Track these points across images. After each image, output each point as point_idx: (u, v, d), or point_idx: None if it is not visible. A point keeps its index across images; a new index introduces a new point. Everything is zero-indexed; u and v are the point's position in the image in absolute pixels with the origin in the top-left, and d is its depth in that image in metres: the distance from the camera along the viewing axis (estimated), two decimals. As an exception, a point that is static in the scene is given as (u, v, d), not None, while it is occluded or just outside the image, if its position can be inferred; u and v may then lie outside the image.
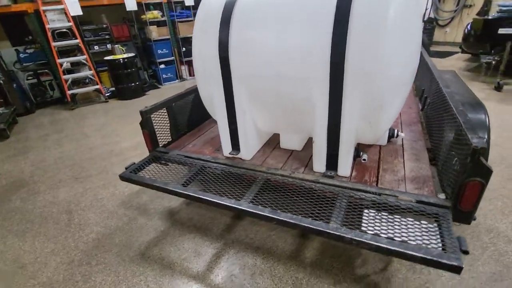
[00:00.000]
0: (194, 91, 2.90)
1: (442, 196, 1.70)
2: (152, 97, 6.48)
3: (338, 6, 1.55)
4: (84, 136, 4.54)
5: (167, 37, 7.20)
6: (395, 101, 1.71)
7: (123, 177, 2.15)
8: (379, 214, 1.63)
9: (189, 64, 7.86)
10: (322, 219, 1.59)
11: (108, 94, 6.56)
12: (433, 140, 2.20)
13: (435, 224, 1.52)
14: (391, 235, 1.47)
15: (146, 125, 2.40)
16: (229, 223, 2.44)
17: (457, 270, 1.26)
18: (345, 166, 1.91)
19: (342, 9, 1.55)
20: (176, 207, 2.70)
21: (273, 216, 1.63)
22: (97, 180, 3.26)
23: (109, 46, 6.68)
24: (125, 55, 6.29)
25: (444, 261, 1.27)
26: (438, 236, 1.44)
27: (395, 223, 1.56)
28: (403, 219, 1.58)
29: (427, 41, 8.81)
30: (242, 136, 2.17)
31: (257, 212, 1.67)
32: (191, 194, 1.86)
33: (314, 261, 2.02)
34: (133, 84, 6.38)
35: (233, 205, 1.74)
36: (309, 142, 2.40)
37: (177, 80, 7.72)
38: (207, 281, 1.94)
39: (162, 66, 7.39)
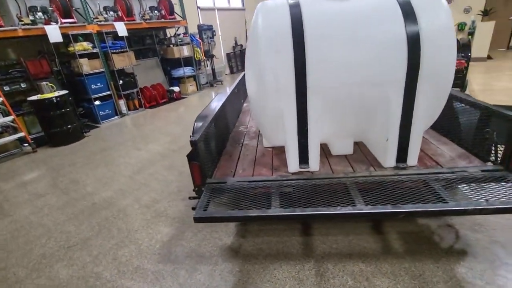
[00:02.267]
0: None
1: (489, 164, 2.16)
2: (96, 139, 5.54)
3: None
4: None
5: (101, 70, 6.38)
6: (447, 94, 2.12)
7: (199, 218, 1.85)
8: (467, 186, 1.95)
9: (128, 97, 7.11)
10: (434, 202, 1.79)
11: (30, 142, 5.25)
12: (444, 128, 2.74)
13: (510, 183, 1.92)
14: (491, 198, 1.79)
15: (197, 156, 2.14)
16: (302, 241, 2.36)
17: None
18: (414, 156, 2.18)
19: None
20: (233, 243, 2.41)
21: (397, 210, 1.73)
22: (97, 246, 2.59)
23: (23, 85, 5.45)
24: (56, 93, 5.23)
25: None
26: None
27: (483, 190, 1.90)
28: (485, 185, 1.94)
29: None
30: (313, 148, 2.20)
31: (383, 211, 1.74)
32: (309, 213, 1.78)
33: (406, 249, 2.18)
34: (69, 126, 5.32)
35: (356, 211, 1.76)
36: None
37: (116, 116, 6.83)
38: (330, 301, 1.83)
39: (98, 102, 6.44)
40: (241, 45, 12.79)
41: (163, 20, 7.63)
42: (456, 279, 1.90)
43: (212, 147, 2.56)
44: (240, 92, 4.42)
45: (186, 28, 8.44)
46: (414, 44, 1.87)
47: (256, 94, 2.19)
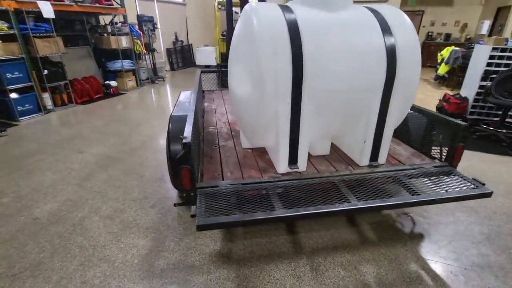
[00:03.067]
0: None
1: (436, 161, 2.62)
2: (19, 140, 4.57)
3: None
4: None
5: (19, 56, 5.27)
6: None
7: (203, 226, 1.76)
8: (427, 180, 2.34)
9: (54, 91, 6.07)
10: (411, 194, 2.10)
11: None
12: (396, 131, 3.19)
13: (456, 176, 2.37)
14: (449, 189, 2.18)
15: (189, 159, 2.01)
16: (290, 239, 2.44)
17: (490, 194, 2.11)
18: (384, 155, 2.50)
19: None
20: (221, 249, 2.33)
21: (385, 204, 1.97)
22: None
23: None
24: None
25: (482, 191, 2.09)
26: (464, 181, 2.29)
27: (440, 182, 2.31)
28: (440, 178, 2.36)
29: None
30: (303, 149, 2.30)
31: (374, 205, 1.95)
32: (312, 212, 1.86)
33: (379, 237, 2.47)
34: None
35: (353, 207, 1.92)
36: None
37: (40, 113, 5.74)
38: (330, 293, 1.95)
39: (14, 95, 5.30)
40: (182, 41, 12.25)
41: (98, 5, 6.75)
42: (422, 258, 2.26)
43: (195, 150, 2.43)
44: (199, 91, 4.27)
45: (124, 17, 7.64)
46: (391, 57, 2.15)
47: (251, 97, 2.16)
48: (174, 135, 2.54)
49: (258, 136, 2.45)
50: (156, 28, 9.11)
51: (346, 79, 2.13)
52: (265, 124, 2.24)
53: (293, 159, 2.34)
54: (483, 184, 2.22)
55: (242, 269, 2.13)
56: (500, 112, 4.78)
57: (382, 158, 2.51)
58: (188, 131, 2.09)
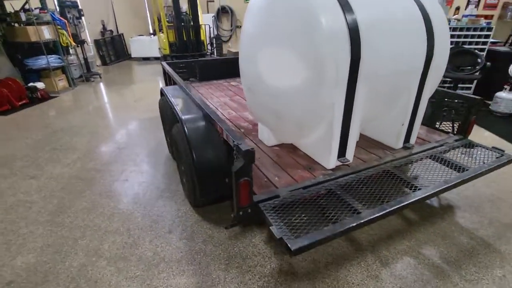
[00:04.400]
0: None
1: (451, 135, 2.75)
2: None
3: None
4: None
5: None
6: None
7: (299, 249, 1.44)
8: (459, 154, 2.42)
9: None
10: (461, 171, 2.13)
11: None
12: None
13: (479, 147, 2.51)
14: (485, 160, 2.29)
15: (250, 169, 1.65)
16: (343, 238, 2.26)
17: (517, 161, 2.28)
18: (415, 136, 2.50)
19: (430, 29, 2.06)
20: (280, 265, 2.01)
21: (449, 185, 1.95)
22: None
23: None
24: None
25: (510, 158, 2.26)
26: (487, 150, 2.44)
27: (469, 155, 2.41)
28: (467, 151, 2.47)
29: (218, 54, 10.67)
30: (353, 138, 2.12)
31: (442, 187, 1.92)
32: (397, 206, 1.71)
33: (420, 218, 2.48)
34: None
35: (429, 193, 1.85)
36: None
37: None
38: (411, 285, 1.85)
39: None
40: (111, 31, 10.64)
41: (3, -15, 5.22)
42: (465, 228, 2.35)
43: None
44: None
45: (42, 1, 6.13)
46: (430, 36, 2.08)
47: (303, 86, 1.84)
48: (198, 142, 2.07)
49: (302, 131, 2.16)
50: (82, 15, 7.62)
51: (397, 61, 1.99)
52: (318, 115, 1.96)
53: (342, 151, 2.14)
54: (503, 151, 2.40)
55: (317, 284, 1.87)
56: (452, 85, 5.42)
57: (413, 139, 2.50)
58: (237, 137, 1.69)
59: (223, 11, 11.08)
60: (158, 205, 2.64)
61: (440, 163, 2.30)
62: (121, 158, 3.53)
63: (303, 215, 1.66)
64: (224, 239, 2.23)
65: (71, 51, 7.05)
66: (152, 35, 11.28)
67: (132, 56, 11.13)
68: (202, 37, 7.54)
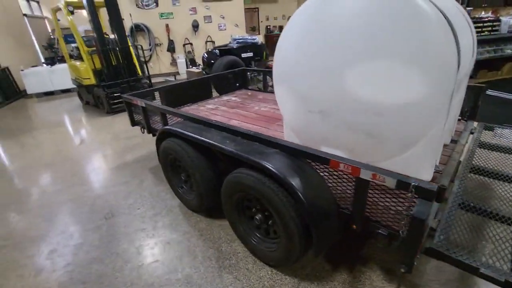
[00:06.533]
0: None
1: (464, 121, 3.00)
2: None
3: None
4: None
5: None
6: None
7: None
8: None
9: None
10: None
11: None
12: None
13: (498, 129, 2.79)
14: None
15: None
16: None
17: None
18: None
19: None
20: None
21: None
22: None
23: None
24: None
25: None
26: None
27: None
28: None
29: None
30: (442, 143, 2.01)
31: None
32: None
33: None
34: None
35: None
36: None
37: None
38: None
39: None
40: (-10, 65, 8.16)
41: None
42: None
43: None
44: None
45: None
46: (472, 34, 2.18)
47: (415, 95, 1.60)
48: (305, 187, 1.59)
49: (403, 146, 1.91)
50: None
51: (468, 57, 1.98)
52: (428, 124, 1.75)
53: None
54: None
55: None
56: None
57: (453, 132, 2.60)
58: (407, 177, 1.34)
59: (137, 30, 9.96)
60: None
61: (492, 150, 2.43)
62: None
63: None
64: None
65: None
66: (49, 65, 9.19)
67: (28, 92, 8.81)
68: (134, 60, 6.52)
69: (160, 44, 10.66)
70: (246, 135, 1.93)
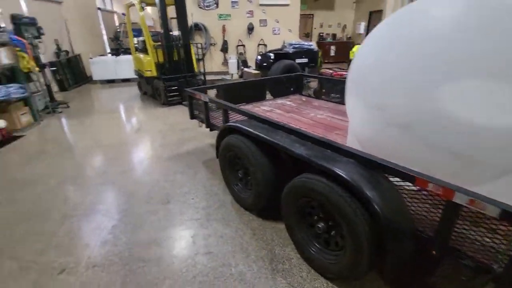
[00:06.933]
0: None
1: None
2: None
3: None
4: None
5: None
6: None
7: None
8: None
9: None
10: None
11: None
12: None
13: None
14: None
15: None
16: None
17: None
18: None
19: None
20: None
21: None
22: None
23: None
24: None
25: None
26: None
27: None
28: None
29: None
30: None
31: None
32: None
33: None
34: None
35: None
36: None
37: None
38: None
39: None
40: (67, 52, 9.13)
41: None
42: None
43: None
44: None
45: (-5, 17, 4.81)
46: None
47: None
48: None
49: (501, 171, 1.75)
50: (42, 34, 6.28)
51: None
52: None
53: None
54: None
55: None
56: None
57: None
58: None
59: (196, 28, 10.44)
60: None
61: None
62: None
63: None
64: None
65: (34, 77, 5.68)
66: (114, 55, 10.02)
67: (94, 78, 9.69)
68: (193, 57, 6.84)
69: (214, 44, 11.07)
70: (319, 141, 1.90)
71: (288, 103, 4.31)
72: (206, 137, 4.60)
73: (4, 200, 3.04)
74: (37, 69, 5.64)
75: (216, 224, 2.56)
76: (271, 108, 4.03)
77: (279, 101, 4.44)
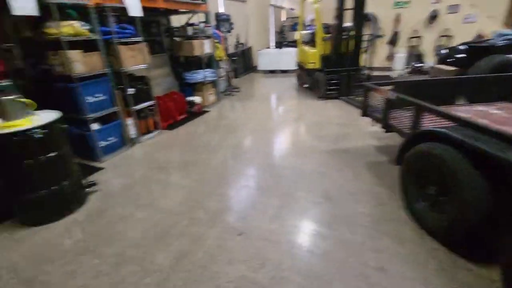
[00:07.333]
0: None
1: None
2: (118, 204, 3.00)
3: None
4: None
5: (103, 71, 3.74)
6: None
7: None
8: None
9: (139, 115, 4.49)
10: None
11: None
12: None
13: None
14: None
15: None
16: None
17: None
18: None
19: None
20: None
21: None
22: None
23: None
24: (36, 121, 2.57)
25: None
26: None
27: None
28: None
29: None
30: None
31: None
32: None
33: None
34: (56, 187, 2.67)
35: None
36: None
37: (124, 147, 4.19)
38: None
39: (96, 125, 3.77)
40: (243, 44, 10.64)
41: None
42: None
43: None
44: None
45: (207, 15, 6.06)
46: None
47: None
48: None
49: None
50: (233, 28, 7.50)
51: None
52: None
53: None
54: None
55: None
56: None
57: None
58: None
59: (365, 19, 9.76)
60: None
61: None
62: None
63: None
64: None
65: (222, 65, 6.90)
66: (278, 48, 10.86)
67: (259, 68, 10.90)
68: (361, 49, 6.40)
69: (382, 36, 10.06)
70: None
71: (496, 111, 3.26)
72: (367, 136, 4.19)
73: (201, 160, 3.81)
74: (226, 58, 6.79)
75: (387, 238, 2.23)
76: (469, 116, 3.15)
77: (480, 107, 3.43)
